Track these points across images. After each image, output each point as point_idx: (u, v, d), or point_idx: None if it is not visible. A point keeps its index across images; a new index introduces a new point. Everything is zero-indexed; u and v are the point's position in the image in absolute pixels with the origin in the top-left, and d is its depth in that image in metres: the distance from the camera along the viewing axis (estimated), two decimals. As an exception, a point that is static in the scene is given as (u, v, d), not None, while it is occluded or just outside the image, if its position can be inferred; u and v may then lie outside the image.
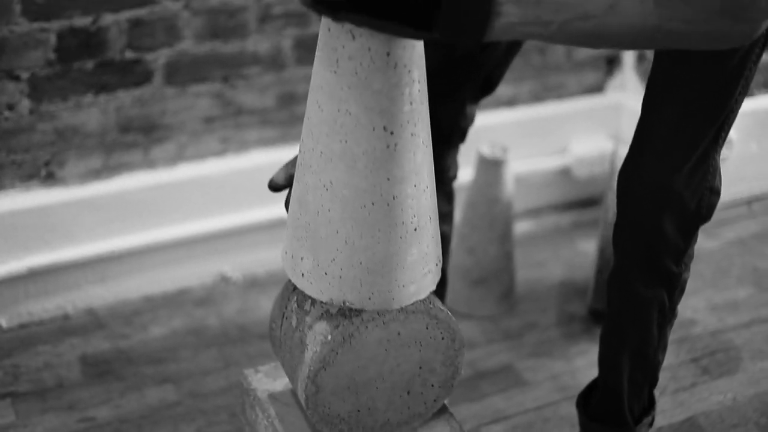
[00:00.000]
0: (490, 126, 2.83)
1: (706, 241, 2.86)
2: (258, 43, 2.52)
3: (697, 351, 2.49)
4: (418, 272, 1.55)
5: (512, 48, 1.96)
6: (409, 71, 1.43)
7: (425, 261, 1.56)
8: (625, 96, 2.98)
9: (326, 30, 1.43)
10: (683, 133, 1.70)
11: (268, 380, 1.81)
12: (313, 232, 1.51)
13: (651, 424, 2.05)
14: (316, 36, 2.53)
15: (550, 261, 2.81)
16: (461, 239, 2.54)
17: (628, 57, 2.96)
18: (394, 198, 1.47)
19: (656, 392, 2.23)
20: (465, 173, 2.64)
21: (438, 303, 1.62)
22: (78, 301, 2.51)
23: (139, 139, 2.49)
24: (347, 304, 1.53)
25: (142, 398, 2.27)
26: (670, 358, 2.40)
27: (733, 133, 2.87)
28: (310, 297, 1.60)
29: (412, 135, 1.46)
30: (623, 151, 2.52)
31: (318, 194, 1.49)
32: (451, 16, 1.30)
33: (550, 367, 2.42)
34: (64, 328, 2.48)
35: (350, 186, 1.46)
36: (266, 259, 2.67)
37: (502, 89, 2.84)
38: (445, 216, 2.08)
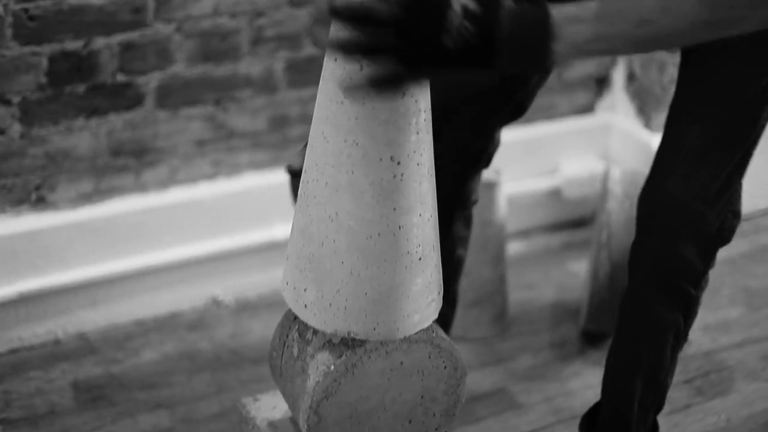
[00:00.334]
0: (481, 147, 2.82)
1: (696, 262, 2.86)
2: (250, 66, 2.51)
3: (691, 372, 2.50)
4: (422, 302, 1.55)
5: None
6: (416, 101, 1.43)
7: (429, 290, 1.55)
8: (615, 116, 2.99)
9: (332, 61, 1.42)
10: (709, 156, 1.69)
11: (267, 408, 1.80)
12: (317, 263, 1.51)
13: None
14: (308, 59, 2.54)
15: (541, 282, 2.81)
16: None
17: (618, 77, 2.97)
18: (400, 228, 1.47)
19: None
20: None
21: (440, 332, 1.62)
22: (69, 326, 2.49)
23: (130, 163, 2.48)
24: (352, 334, 1.53)
25: (135, 424, 2.26)
26: (664, 380, 2.40)
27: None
28: (311, 326, 1.59)
29: (418, 164, 1.46)
30: (615, 172, 2.53)
31: (323, 225, 1.48)
32: (511, 50, 1.28)
33: (544, 390, 2.41)
34: (55, 353, 2.46)
35: (356, 217, 1.45)
36: (258, 282, 2.66)
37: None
38: (463, 240, 2.06)
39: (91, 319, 2.51)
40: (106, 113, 2.41)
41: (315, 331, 1.59)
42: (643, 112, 2.92)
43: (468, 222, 2.08)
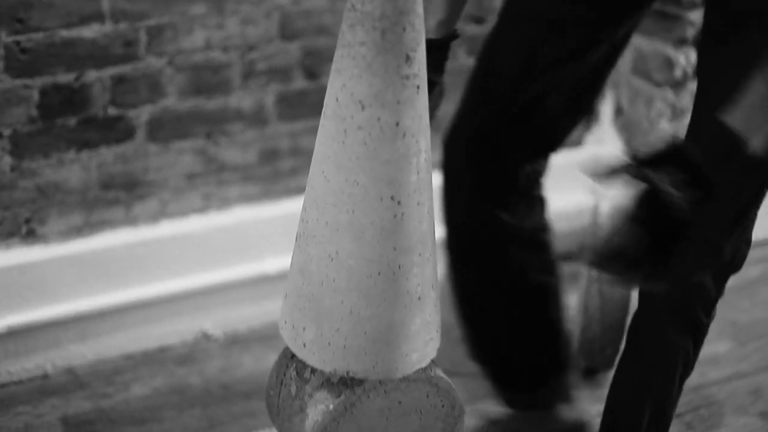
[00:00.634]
0: (471, 180, 2.83)
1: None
2: (241, 100, 2.52)
3: (681, 406, 2.48)
4: (421, 341, 1.55)
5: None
6: (417, 141, 1.43)
7: (428, 329, 1.55)
8: (603, 150, 3.00)
9: (334, 100, 1.43)
10: (727, 187, 1.69)
11: (262, 446, 1.80)
12: (316, 302, 1.50)
13: None
14: (300, 92, 2.55)
15: (531, 316, 2.80)
16: (445, 297, 2.53)
17: (606, 111, 2.99)
18: (399, 267, 1.47)
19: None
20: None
21: (438, 371, 1.62)
22: (58, 360, 2.48)
23: (121, 196, 2.48)
24: (351, 373, 1.52)
25: (125, 460, 2.25)
26: (655, 415, 2.40)
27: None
28: (309, 365, 1.59)
29: (418, 204, 1.46)
30: (605, 206, 2.54)
31: (323, 264, 1.48)
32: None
33: (536, 425, 2.40)
34: (43, 387, 2.44)
35: (357, 256, 1.45)
36: (248, 315, 2.65)
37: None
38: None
39: (80, 353, 2.50)
40: (97, 146, 2.41)
41: (313, 370, 1.58)
42: (632, 145, 2.94)
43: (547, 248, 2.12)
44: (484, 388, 2.50)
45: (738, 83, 1.61)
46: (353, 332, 1.50)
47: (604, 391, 2.49)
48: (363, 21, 1.40)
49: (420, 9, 1.41)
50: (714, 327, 2.72)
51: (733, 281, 2.95)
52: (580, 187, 2.98)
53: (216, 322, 2.63)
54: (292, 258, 1.57)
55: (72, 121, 2.37)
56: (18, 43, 2.26)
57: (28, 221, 2.41)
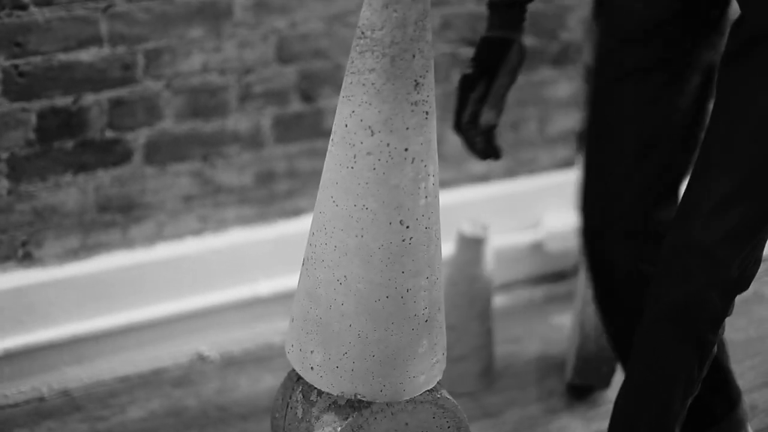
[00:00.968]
0: (465, 202, 2.85)
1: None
2: (238, 122, 2.52)
3: (676, 426, 2.51)
4: (428, 363, 1.55)
5: None
6: (425, 166, 1.44)
7: (434, 351, 1.56)
8: (596, 171, 3.02)
9: (343, 126, 1.44)
10: (739, 202, 1.70)
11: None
12: (324, 326, 1.51)
13: None
14: (296, 115, 2.56)
15: (525, 336, 2.82)
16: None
17: (598, 132, 3.00)
18: (407, 291, 1.48)
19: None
20: (444, 248, 2.65)
21: (444, 392, 1.62)
22: (54, 383, 2.47)
23: (117, 219, 2.48)
24: (359, 396, 1.53)
25: (123, 483, 2.24)
26: None
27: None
28: (316, 388, 1.59)
29: (426, 228, 1.47)
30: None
31: (331, 288, 1.49)
32: None
33: (533, 445, 2.42)
34: (39, 410, 2.43)
35: (365, 280, 1.46)
36: (243, 337, 2.65)
37: (476, 165, 2.86)
38: None
39: (77, 375, 2.50)
40: (94, 169, 2.41)
41: (320, 393, 1.59)
42: (624, 166, 2.95)
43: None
44: (482, 409, 2.52)
45: (751, 101, 1.64)
46: (361, 355, 1.50)
47: (601, 410, 2.52)
48: (373, 48, 1.41)
49: (429, 36, 1.42)
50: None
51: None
52: (572, 207, 3.01)
53: (212, 344, 2.63)
54: (299, 282, 1.57)
55: (69, 144, 2.37)
56: (16, 66, 2.27)
57: (24, 244, 2.40)
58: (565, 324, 2.86)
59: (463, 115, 1.76)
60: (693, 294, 1.77)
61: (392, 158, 1.41)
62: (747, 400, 2.58)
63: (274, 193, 2.63)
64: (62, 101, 2.33)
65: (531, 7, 2.75)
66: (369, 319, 1.48)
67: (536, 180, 2.98)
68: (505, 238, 2.93)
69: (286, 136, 2.59)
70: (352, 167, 1.43)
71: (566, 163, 3.02)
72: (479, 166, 2.88)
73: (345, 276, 1.47)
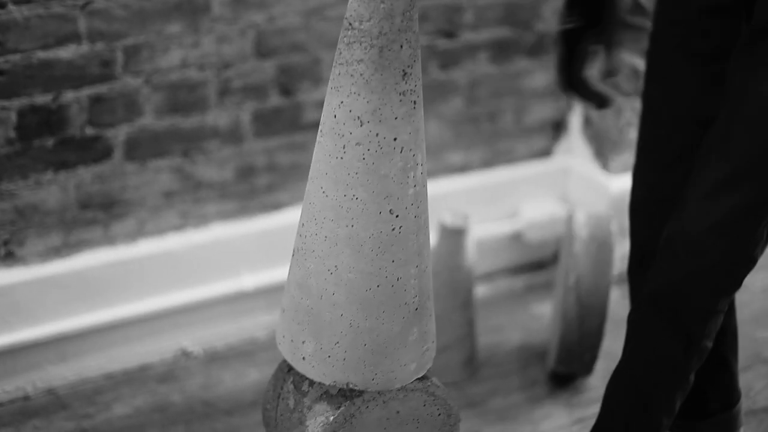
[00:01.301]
0: (444, 193, 2.86)
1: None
2: (217, 117, 2.53)
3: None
4: (419, 351, 1.57)
5: None
6: (414, 155, 1.45)
7: (424, 339, 1.57)
8: (573, 160, 3.04)
9: (331, 117, 1.45)
10: (731, 193, 1.68)
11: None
12: (315, 316, 1.52)
13: None
14: (275, 109, 2.56)
15: (507, 325, 2.84)
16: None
17: (575, 121, 3.02)
18: (398, 279, 1.49)
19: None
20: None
21: (434, 380, 1.64)
22: (39, 382, 2.47)
23: (99, 216, 2.48)
24: (350, 385, 1.54)
25: (111, 479, 2.24)
26: None
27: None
28: (307, 378, 1.60)
29: (415, 217, 1.48)
30: (580, 215, 2.57)
31: (321, 278, 1.50)
32: None
33: (517, 432, 2.44)
34: (25, 409, 2.43)
35: (356, 270, 1.47)
36: (227, 332, 2.66)
37: (454, 156, 2.88)
38: None
39: (61, 374, 2.49)
40: (74, 166, 2.41)
41: (311, 383, 1.60)
42: (601, 154, 2.97)
43: None
44: (466, 398, 2.53)
45: (751, 92, 1.64)
46: (353, 345, 1.51)
47: (583, 397, 2.54)
48: (361, 39, 1.42)
49: (416, 27, 1.44)
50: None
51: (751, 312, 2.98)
52: (551, 197, 3.03)
53: (195, 339, 2.64)
54: (289, 273, 1.58)
55: (50, 142, 2.37)
56: (-5, 65, 2.26)
57: (6, 243, 2.40)
58: (545, 313, 2.88)
59: (573, 69, 1.76)
60: (675, 283, 1.76)
61: (381, 148, 1.42)
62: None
63: (255, 188, 2.63)
64: (42, 99, 2.33)
65: (506, -1, 2.78)
66: (360, 308, 1.49)
67: (514, 170, 3.00)
68: (484, 229, 2.95)
69: (266, 130, 2.60)
70: (341, 157, 1.44)
71: (543, 153, 3.04)
72: (457, 156, 2.90)
73: (335, 266, 1.48)
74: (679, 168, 1.87)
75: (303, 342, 1.55)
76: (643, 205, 1.98)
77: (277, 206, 2.67)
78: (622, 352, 1.93)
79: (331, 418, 1.55)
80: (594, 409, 2.46)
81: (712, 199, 1.69)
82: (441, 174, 2.89)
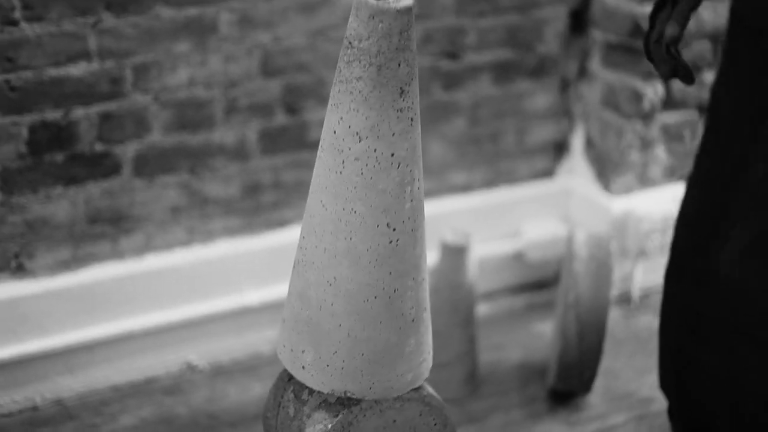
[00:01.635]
0: (446, 212, 2.90)
1: (657, 320, 2.94)
2: (224, 135, 2.58)
3: (656, 428, 2.56)
4: (415, 361, 1.61)
5: None
6: (411, 170, 1.50)
7: (421, 350, 1.61)
8: (575, 180, 3.08)
9: (331, 133, 1.49)
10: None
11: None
12: (315, 326, 1.56)
13: None
14: (281, 127, 2.61)
15: (507, 343, 2.87)
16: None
17: (577, 143, 3.07)
18: (395, 291, 1.53)
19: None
20: (427, 258, 2.70)
21: (430, 390, 1.67)
22: (47, 392, 2.51)
23: (107, 230, 2.52)
24: (348, 394, 1.58)
25: (115, 489, 2.28)
26: (631, 437, 2.47)
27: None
28: (307, 387, 1.64)
29: (412, 230, 1.53)
30: (580, 235, 2.61)
31: (321, 289, 1.54)
32: None
33: (516, 448, 2.47)
34: (33, 419, 2.47)
35: (354, 281, 1.51)
36: (232, 347, 2.70)
37: (457, 176, 2.92)
38: None
39: (69, 385, 2.54)
40: (84, 181, 2.46)
41: (311, 392, 1.64)
42: (603, 176, 3.01)
43: None
44: (466, 414, 2.57)
45: None
46: (351, 354, 1.56)
47: (582, 415, 2.58)
48: (360, 57, 1.47)
49: (413, 46, 1.48)
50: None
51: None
52: (553, 217, 3.07)
53: (201, 353, 2.68)
54: (290, 284, 1.63)
55: (60, 157, 2.42)
56: (8, 81, 2.31)
57: (16, 256, 2.45)
58: (546, 331, 2.92)
59: (651, 36, 1.83)
60: None
61: (379, 163, 1.47)
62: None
63: (261, 205, 2.68)
64: (53, 115, 2.38)
65: (508, 21, 2.82)
66: (358, 318, 1.53)
67: (516, 190, 3.04)
68: (486, 248, 2.99)
69: (272, 148, 2.64)
70: (340, 172, 1.49)
71: (545, 174, 3.08)
72: (460, 176, 2.94)
73: (334, 277, 1.53)
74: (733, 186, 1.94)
75: (302, 351, 1.59)
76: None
77: (282, 223, 2.72)
78: None
79: (329, 425, 1.59)
80: (593, 427, 2.52)
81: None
82: (444, 193, 2.93)
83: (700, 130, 3.01)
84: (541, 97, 2.98)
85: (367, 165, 1.47)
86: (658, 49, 1.85)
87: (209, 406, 2.55)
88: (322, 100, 2.65)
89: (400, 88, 1.48)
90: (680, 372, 2.09)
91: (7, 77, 2.31)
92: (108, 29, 2.38)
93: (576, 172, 3.09)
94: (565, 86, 3.01)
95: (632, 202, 2.98)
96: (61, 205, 2.45)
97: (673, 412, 2.15)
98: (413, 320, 1.57)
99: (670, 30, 1.82)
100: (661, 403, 2.64)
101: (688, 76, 1.85)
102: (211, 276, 2.64)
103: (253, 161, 2.64)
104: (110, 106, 2.44)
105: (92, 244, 2.52)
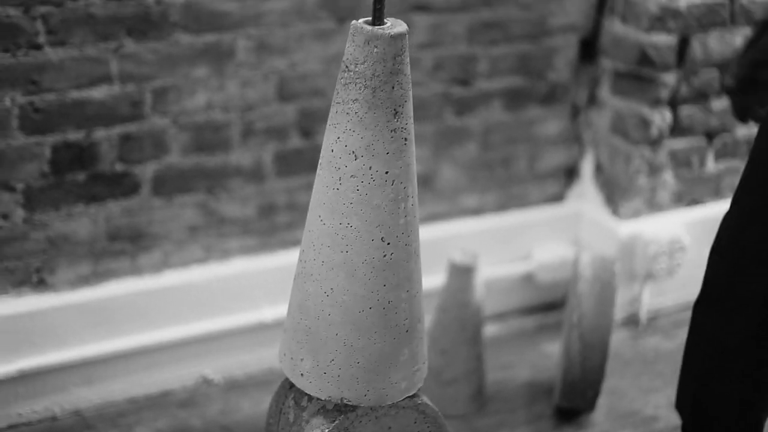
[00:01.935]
0: (458, 234, 2.97)
1: (664, 342, 3.01)
2: (240, 157, 2.65)
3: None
4: (409, 370, 1.68)
5: None
6: (405, 187, 1.58)
7: (415, 360, 1.69)
8: (585, 205, 3.14)
9: (329, 151, 1.58)
10: None
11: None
12: (313, 335, 1.64)
13: None
14: (296, 150, 2.69)
15: (516, 363, 2.93)
16: (433, 341, 2.66)
17: (587, 168, 3.13)
18: (389, 302, 1.61)
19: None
20: (438, 278, 2.78)
21: (425, 399, 1.75)
22: (65, 403, 2.59)
23: (126, 248, 2.60)
24: (345, 400, 1.66)
25: (130, 497, 2.34)
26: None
27: (687, 239, 3.03)
28: (307, 394, 1.72)
29: (406, 245, 1.60)
30: (585, 256, 2.67)
31: (319, 300, 1.62)
32: None
33: (520, 464, 2.52)
34: (52, 429, 2.55)
35: (350, 292, 1.59)
36: (246, 362, 2.77)
37: (469, 199, 2.99)
38: None
39: (87, 396, 2.61)
40: (104, 200, 2.54)
41: (310, 398, 1.71)
42: (612, 201, 3.07)
43: None
44: (472, 430, 2.62)
45: None
46: (347, 362, 1.63)
47: (587, 432, 2.63)
48: (356, 80, 1.55)
49: (407, 70, 1.57)
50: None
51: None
52: (563, 241, 3.13)
53: (216, 367, 2.75)
54: (291, 296, 1.70)
55: (81, 177, 2.50)
56: (32, 103, 2.40)
57: (38, 270, 2.53)
58: (555, 351, 2.97)
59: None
60: None
61: (374, 180, 1.55)
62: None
63: (275, 225, 2.76)
64: (75, 136, 2.47)
65: (519, 49, 2.90)
66: (354, 328, 1.61)
67: (527, 214, 3.10)
68: (497, 270, 3.05)
69: (287, 170, 2.72)
70: (337, 189, 1.57)
71: (556, 198, 3.14)
72: (472, 199, 3.01)
73: (332, 288, 1.60)
74: None
75: (301, 359, 1.67)
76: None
77: (296, 243, 2.79)
78: None
79: (326, 430, 1.67)
80: (596, 443, 2.57)
81: None
82: (456, 216, 3.00)
83: (707, 155, 3.08)
84: (552, 124, 3.05)
85: (362, 182, 1.55)
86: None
87: (223, 419, 2.62)
88: (336, 123, 2.72)
89: (394, 109, 1.56)
90: (699, 396, 2.16)
91: (32, 99, 2.40)
92: (129, 54, 2.47)
93: (586, 197, 3.15)
94: (575, 113, 3.07)
95: (640, 226, 3.04)
96: (82, 222, 2.54)
97: (687, 429, 2.21)
98: (407, 331, 1.64)
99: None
100: (665, 422, 2.69)
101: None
102: (227, 293, 2.72)
103: (269, 183, 2.71)
104: (130, 127, 2.52)
105: (112, 261, 2.60)
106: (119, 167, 2.54)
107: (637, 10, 2.89)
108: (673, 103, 2.97)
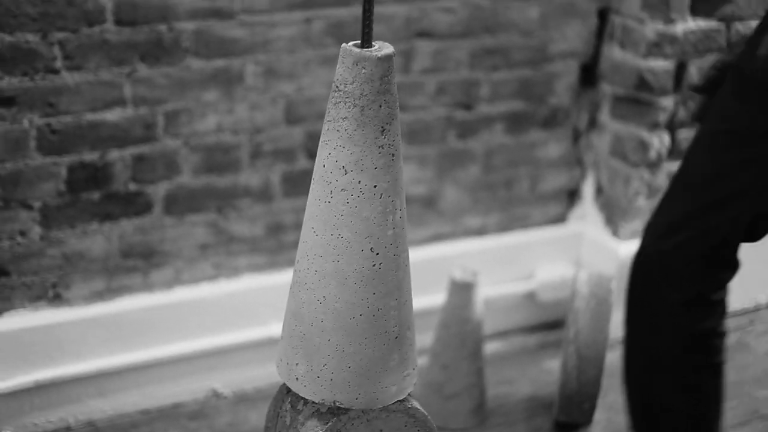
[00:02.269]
0: (462, 253, 3.04)
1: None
2: (249, 178, 2.74)
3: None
4: (399, 375, 1.77)
5: None
6: (393, 201, 1.67)
7: (404, 365, 1.77)
8: (586, 226, 3.21)
9: (321, 166, 1.67)
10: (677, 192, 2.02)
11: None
12: (307, 341, 1.73)
13: None
14: (303, 171, 2.77)
15: (518, 378, 3.00)
16: (435, 356, 2.74)
17: (588, 190, 3.20)
18: (378, 310, 1.70)
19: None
20: (441, 297, 2.85)
21: (415, 403, 1.83)
22: (79, 414, 2.67)
23: (139, 264, 2.69)
24: (337, 403, 1.75)
25: (140, 505, 2.43)
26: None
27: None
28: (302, 398, 1.81)
29: (394, 255, 1.69)
30: (582, 274, 2.75)
31: (312, 308, 1.71)
32: None
33: (518, 475, 2.59)
34: (66, 439, 2.64)
35: (341, 300, 1.68)
36: (255, 376, 2.85)
37: (472, 220, 3.07)
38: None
39: (100, 408, 2.70)
40: (118, 218, 2.63)
41: (305, 402, 1.80)
42: (612, 222, 3.14)
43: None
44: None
45: None
46: (339, 367, 1.72)
47: (583, 445, 2.69)
48: (345, 99, 1.65)
49: (394, 89, 1.66)
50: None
51: (754, 372, 3.12)
52: (565, 261, 3.20)
53: (225, 381, 2.83)
54: (287, 304, 1.80)
55: (96, 196, 2.60)
56: (49, 125, 2.50)
57: (54, 286, 2.63)
58: (555, 368, 3.04)
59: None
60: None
61: (363, 194, 1.64)
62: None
63: (283, 244, 2.84)
64: (90, 156, 2.56)
65: (521, 75, 2.97)
66: (345, 334, 1.70)
67: (529, 235, 3.17)
68: (500, 289, 3.12)
69: (294, 191, 2.81)
70: (329, 202, 1.67)
71: (558, 219, 3.22)
72: (475, 220, 3.08)
73: (324, 296, 1.70)
74: None
75: (296, 364, 1.76)
76: None
77: (303, 261, 2.86)
78: None
79: (320, 432, 1.76)
80: (592, 456, 2.63)
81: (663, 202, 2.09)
82: (459, 236, 3.08)
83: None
84: (553, 147, 3.13)
85: (352, 195, 1.65)
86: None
87: (231, 431, 2.70)
88: (342, 145, 2.80)
89: (382, 126, 1.65)
90: (647, 410, 2.15)
91: (49, 121, 2.50)
92: (142, 79, 2.56)
93: (587, 218, 3.21)
94: (576, 136, 3.15)
95: (639, 246, 3.10)
96: (96, 240, 2.63)
97: None
98: (396, 337, 1.73)
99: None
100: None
101: None
102: (236, 309, 2.81)
103: (276, 203, 2.80)
104: (143, 149, 2.62)
105: (125, 277, 2.69)
106: (132, 187, 2.63)
107: (635, 36, 2.96)
108: (671, 127, 3.03)
